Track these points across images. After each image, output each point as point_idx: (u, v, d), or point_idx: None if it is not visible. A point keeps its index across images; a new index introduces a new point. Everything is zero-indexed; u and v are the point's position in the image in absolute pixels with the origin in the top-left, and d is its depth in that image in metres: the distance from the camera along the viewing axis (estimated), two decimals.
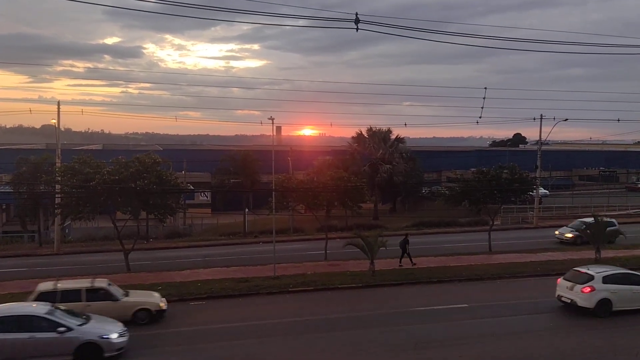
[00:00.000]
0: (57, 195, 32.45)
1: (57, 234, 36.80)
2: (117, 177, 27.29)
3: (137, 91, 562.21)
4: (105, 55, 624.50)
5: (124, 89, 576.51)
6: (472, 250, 33.53)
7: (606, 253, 29.55)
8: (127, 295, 20.19)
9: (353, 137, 57.38)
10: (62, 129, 42.53)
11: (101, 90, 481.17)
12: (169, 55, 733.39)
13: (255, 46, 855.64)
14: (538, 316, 20.12)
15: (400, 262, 29.26)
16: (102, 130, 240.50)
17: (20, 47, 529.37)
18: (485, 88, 33.00)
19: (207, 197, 59.69)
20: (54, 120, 37.75)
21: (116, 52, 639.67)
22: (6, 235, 44.42)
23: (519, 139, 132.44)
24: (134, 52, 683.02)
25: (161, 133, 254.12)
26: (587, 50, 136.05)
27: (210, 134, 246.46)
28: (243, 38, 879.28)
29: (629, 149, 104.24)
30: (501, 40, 46.67)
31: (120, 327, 16.95)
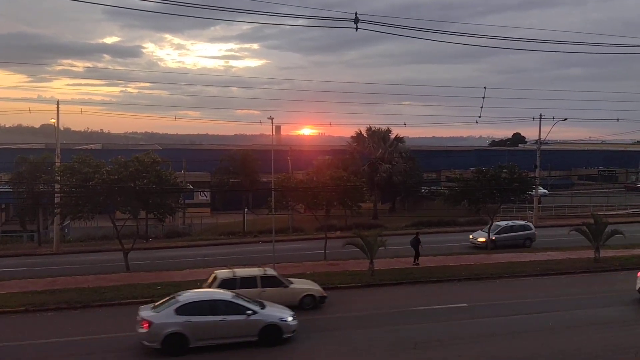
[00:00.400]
0: (56, 195, 32.42)
1: (56, 234, 36.76)
2: (116, 177, 27.27)
3: (136, 91, 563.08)
4: (105, 55, 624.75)
5: (124, 89, 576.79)
6: (471, 249, 33.52)
7: (605, 252, 29.55)
8: (291, 283, 21.27)
9: (352, 137, 57.32)
10: (62, 129, 42.48)
11: (100, 90, 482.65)
12: (168, 54, 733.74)
13: (255, 46, 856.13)
14: (537, 315, 20.10)
15: (415, 260, 29.15)
16: (101, 129, 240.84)
17: (20, 47, 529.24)
18: (485, 87, 33.06)
19: (206, 197, 59.69)
20: (53, 120, 37.72)
21: (116, 51, 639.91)
22: (5, 234, 44.37)
23: (518, 138, 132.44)
24: (134, 52, 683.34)
25: (160, 132, 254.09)
26: (587, 50, 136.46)
27: (210, 133, 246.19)
28: (242, 37, 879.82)
29: (628, 149, 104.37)
30: (501, 40, 46.77)
31: (289, 311, 17.90)
